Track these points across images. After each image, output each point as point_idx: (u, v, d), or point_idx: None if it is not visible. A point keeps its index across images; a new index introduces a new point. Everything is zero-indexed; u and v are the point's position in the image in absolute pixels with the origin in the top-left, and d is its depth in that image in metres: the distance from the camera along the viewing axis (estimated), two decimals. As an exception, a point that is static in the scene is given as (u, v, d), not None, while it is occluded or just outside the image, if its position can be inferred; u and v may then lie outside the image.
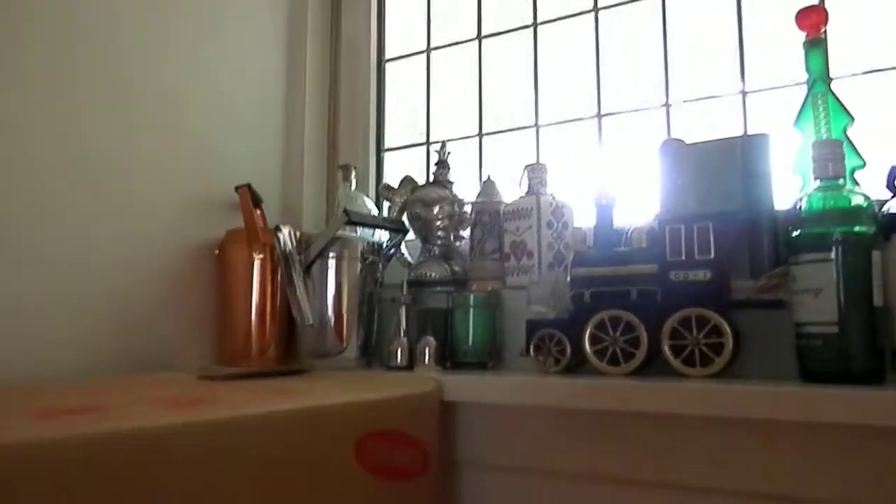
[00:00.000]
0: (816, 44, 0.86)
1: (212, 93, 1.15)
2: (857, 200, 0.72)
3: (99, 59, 0.99)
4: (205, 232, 1.10)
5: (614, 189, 0.91)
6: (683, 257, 0.80)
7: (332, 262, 1.03)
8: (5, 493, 0.36)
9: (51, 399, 0.58)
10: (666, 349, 0.79)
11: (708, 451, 0.74)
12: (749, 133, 0.95)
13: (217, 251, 1.10)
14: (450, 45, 1.29)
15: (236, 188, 1.08)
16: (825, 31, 0.87)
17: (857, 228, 0.71)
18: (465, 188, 1.14)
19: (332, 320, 1.02)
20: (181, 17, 1.11)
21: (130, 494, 0.43)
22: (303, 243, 1.03)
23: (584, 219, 1.03)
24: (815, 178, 0.74)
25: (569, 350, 0.86)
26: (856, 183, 0.83)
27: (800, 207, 0.74)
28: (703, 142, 0.90)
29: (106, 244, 0.97)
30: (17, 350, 0.86)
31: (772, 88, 1.00)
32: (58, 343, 0.90)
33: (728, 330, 0.76)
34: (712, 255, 0.79)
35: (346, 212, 0.99)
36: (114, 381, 0.75)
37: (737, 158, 0.85)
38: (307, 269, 1.01)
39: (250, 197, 1.08)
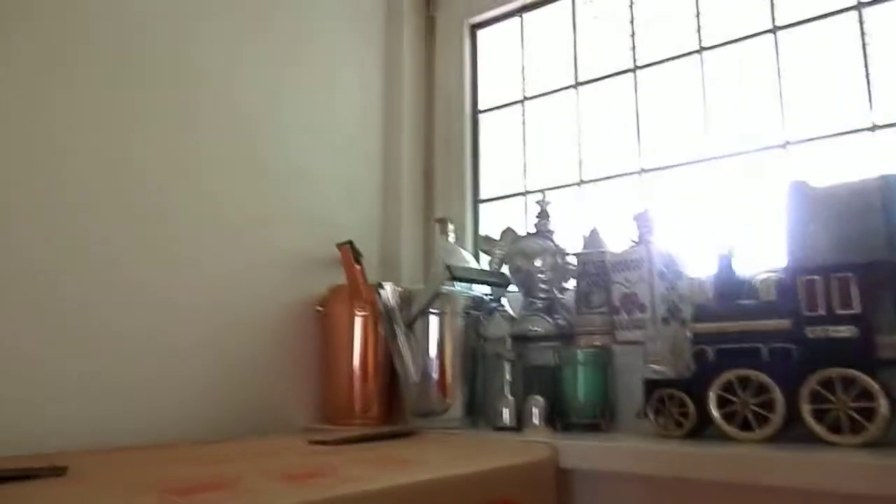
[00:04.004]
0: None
1: (310, 149, 1.18)
2: None
3: (225, 120, 1.04)
4: (307, 289, 1.11)
5: (734, 237, 0.85)
6: (823, 311, 0.73)
7: (433, 318, 1.01)
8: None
9: (176, 470, 0.58)
10: (807, 414, 0.72)
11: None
12: (886, 173, 0.87)
13: (319, 308, 1.10)
14: (546, 93, 1.27)
15: (338, 245, 1.09)
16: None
17: None
18: (567, 239, 1.10)
19: (436, 377, 1.00)
20: (295, 86, 1.15)
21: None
22: (405, 299, 1.02)
23: (698, 269, 0.97)
24: (976, 222, 0.66)
25: (692, 412, 0.80)
26: None
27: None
28: (835, 185, 0.83)
29: (212, 303, 1.00)
30: (135, 411, 0.88)
31: (905, 123, 0.91)
32: (169, 403, 0.92)
33: (880, 391, 0.68)
34: (857, 309, 0.71)
35: (448, 267, 0.98)
36: (231, 449, 0.76)
37: (876, 201, 0.78)
38: (410, 326, 0.99)
39: (352, 253, 1.08)
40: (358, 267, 1.10)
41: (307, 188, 1.16)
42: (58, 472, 0.54)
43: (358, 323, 1.05)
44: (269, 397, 1.04)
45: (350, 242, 1.08)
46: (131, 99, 0.94)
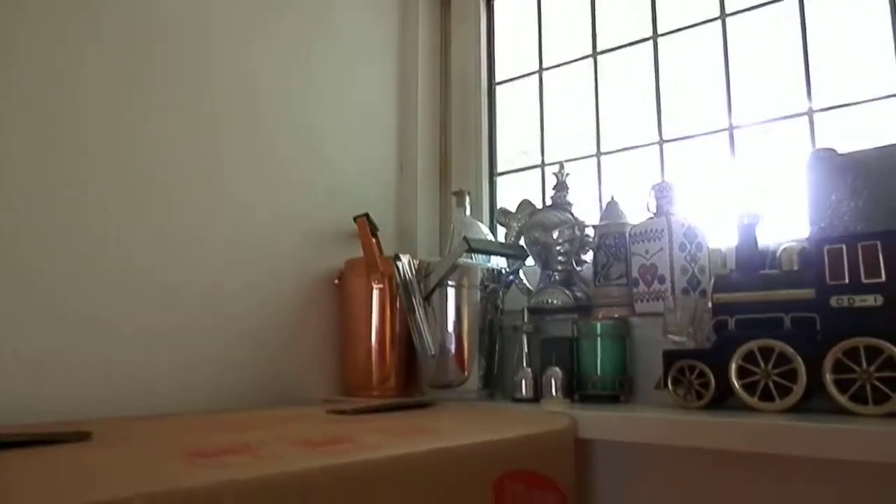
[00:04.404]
0: None
1: (326, 124, 1.17)
2: None
3: (239, 98, 1.03)
4: (324, 262, 1.12)
5: (758, 206, 0.84)
6: (847, 280, 0.72)
7: (451, 291, 1.01)
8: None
9: (199, 436, 0.59)
10: (830, 384, 0.71)
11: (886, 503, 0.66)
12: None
13: (336, 281, 1.11)
14: (564, 63, 1.25)
15: (355, 218, 1.09)
16: None
17: None
18: (585, 211, 1.09)
19: (454, 350, 1.00)
20: (292, 50, 1.14)
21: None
22: (421, 271, 1.02)
23: (717, 240, 0.95)
24: None
25: (713, 383, 0.79)
26: None
27: None
28: (859, 151, 0.81)
29: (236, 283, 1.00)
30: (160, 382, 0.89)
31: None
32: (196, 376, 0.93)
33: (906, 362, 0.67)
34: (883, 278, 0.70)
35: (465, 239, 0.97)
36: (252, 417, 0.76)
37: (904, 168, 0.76)
38: (427, 298, 0.99)
39: (368, 226, 1.08)
40: (374, 240, 1.09)
41: (323, 163, 1.16)
42: (83, 436, 0.55)
43: (375, 295, 1.05)
44: (288, 370, 1.05)
45: (366, 215, 1.08)
46: (147, 79, 0.94)
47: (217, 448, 0.49)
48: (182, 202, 0.96)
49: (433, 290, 0.99)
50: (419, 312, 0.98)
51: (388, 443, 0.57)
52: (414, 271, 1.01)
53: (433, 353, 0.97)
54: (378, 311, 1.05)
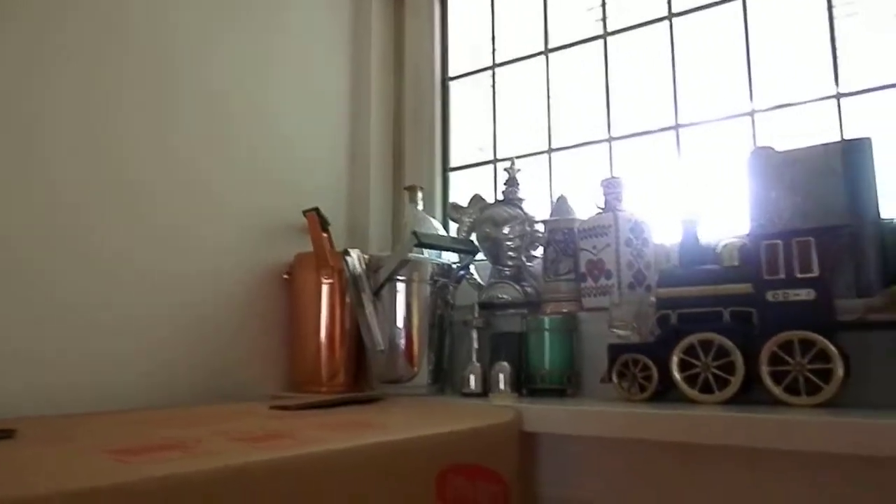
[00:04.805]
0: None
1: (278, 117, 1.15)
2: (985, 209, 0.64)
3: (196, 88, 1.01)
4: (274, 256, 1.10)
5: (700, 203, 0.86)
6: (783, 275, 0.74)
7: (401, 286, 1.00)
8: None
9: (129, 434, 0.57)
10: (765, 376, 0.73)
11: (819, 490, 0.68)
12: (847, 138, 0.88)
13: (286, 275, 1.09)
14: (516, 59, 1.26)
15: (304, 212, 1.07)
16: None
17: None
18: (536, 206, 1.10)
19: (403, 345, 0.99)
20: (247, 44, 1.12)
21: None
22: (371, 266, 1.01)
23: (662, 236, 0.97)
24: (934, 186, 0.67)
25: (655, 376, 0.80)
26: (976, 189, 0.75)
27: (917, 218, 0.67)
28: (797, 149, 0.83)
29: (177, 272, 0.98)
30: (92, 379, 0.87)
31: (870, 90, 0.92)
32: (132, 371, 0.91)
33: (836, 354, 0.69)
34: (815, 273, 0.72)
35: (415, 233, 0.97)
36: (190, 413, 0.74)
37: (837, 166, 0.78)
38: (377, 293, 0.99)
39: (318, 220, 1.06)
40: (325, 234, 1.08)
41: (275, 157, 1.14)
42: (6, 434, 0.53)
43: (325, 290, 1.04)
44: (235, 365, 1.03)
45: (316, 209, 1.07)
46: (106, 75, 0.92)
47: (147, 445, 0.48)
48: (128, 195, 0.93)
49: (382, 285, 0.99)
50: (368, 307, 0.97)
51: (329, 437, 0.56)
52: (364, 266, 1.00)
53: (382, 348, 0.97)
54: (327, 306, 1.04)
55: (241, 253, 1.07)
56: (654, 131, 1.08)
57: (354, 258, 0.99)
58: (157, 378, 0.93)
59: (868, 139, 0.81)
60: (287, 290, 1.09)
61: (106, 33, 0.93)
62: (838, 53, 0.95)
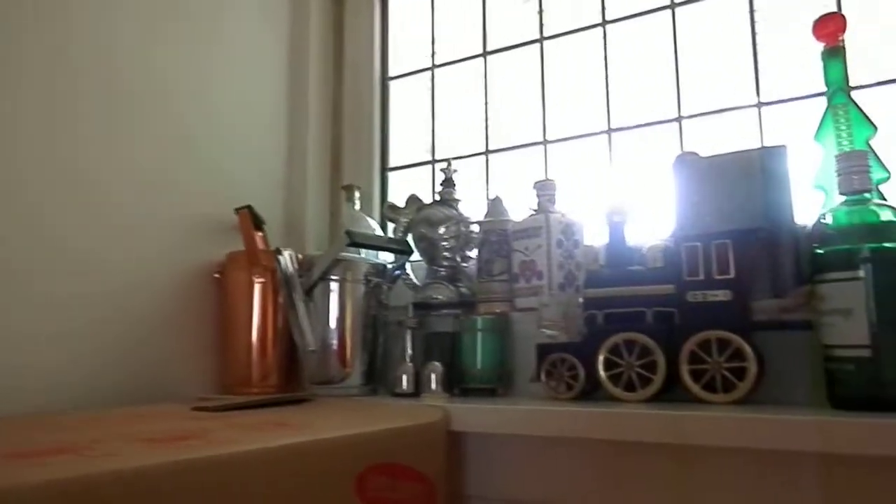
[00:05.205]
0: (835, 53, 0.83)
1: (213, 114, 1.13)
2: (886, 215, 0.67)
3: (101, 81, 0.97)
4: (205, 254, 1.07)
5: (627, 205, 0.87)
6: (702, 277, 0.76)
7: (334, 286, 0.99)
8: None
9: (24, 437, 0.55)
10: (685, 374, 0.75)
11: (734, 486, 0.70)
12: (766, 145, 0.91)
13: (217, 274, 1.07)
14: (455, 61, 1.26)
15: (236, 210, 1.05)
16: (843, 40, 0.83)
17: (886, 245, 0.66)
18: (473, 207, 1.10)
19: (335, 345, 0.98)
20: (182, 36, 1.09)
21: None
22: (305, 266, 1.00)
23: (595, 237, 0.99)
24: (841, 193, 0.70)
25: (582, 375, 0.82)
26: (882, 196, 0.79)
27: (824, 223, 0.70)
28: (719, 155, 0.86)
29: (101, 267, 0.94)
30: (6, 380, 0.83)
31: (789, 100, 0.96)
32: (51, 372, 0.87)
33: (751, 353, 0.72)
34: (732, 274, 0.75)
35: (348, 233, 0.96)
36: (100, 416, 0.72)
37: (755, 171, 0.81)
38: (309, 293, 0.98)
39: (251, 219, 1.05)
40: (260, 233, 1.06)
41: (209, 155, 1.11)
42: None
43: (257, 290, 1.02)
44: (163, 367, 1.00)
45: (249, 207, 1.05)
46: (57, 80, 0.90)
47: (41, 448, 0.46)
48: (44, 189, 0.89)
49: (315, 284, 0.97)
50: (300, 307, 0.96)
51: (242, 438, 0.55)
52: (296, 265, 0.98)
53: (313, 348, 0.95)
54: (259, 307, 1.02)
55: (172, 253, 1.04)
56: (587, 135, 1.10)
57: (286, 257, 0.97)
58: (78, 381, 0.90)
59: (784, 147, 0.84)
60: (218, 290, 1.07)
61: (52, 40, 0.90)
62: (759, 65, 0.98)
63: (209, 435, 0.55)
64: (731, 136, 1.00)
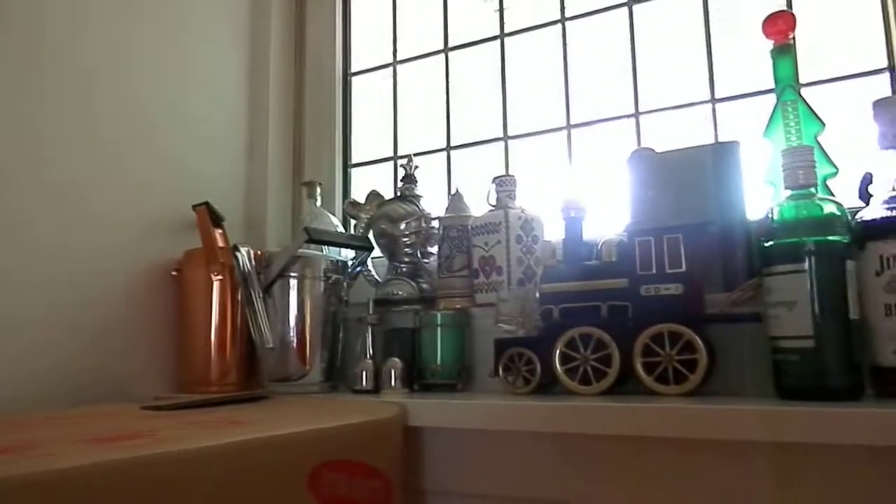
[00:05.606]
0: (785, 50, 0.85)
1: (173, 109, 1.11)
2: (829, 209, 0.69)
3: (63, 73, 0.95)
4: (163, 251, 1.06)
5: (583, 201, 0.88)
6: (654, 271, 0.77)
7: (293, 282, 0.99)
8: None
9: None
10: (639, 367, 0.76)
11: (685, 474, 0.71)
12: (719, 141, 0.93)
13: (174, 272, 1.05)
14: (416, 57, 1.26)
15: (194, 207, 1.04)
16: (793, 38, 0.85)
17: (830, 238, 0.68)
18: (434, 203, 1.10)
19: (294, 342, 0.98)
20: (143, 31, 1.07)
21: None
22: (263, 263, 0.99)
23: (554, 232, 1.00)
24: (786, 188, 0.72)
25: (539, 370, 0.82)
26: (829, 191, 0.81)
27: (772, 217, 0.72)
28: (673, 150, 0.87)
29: (56, 258, 0.92)
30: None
31: (743, 97, 0.98)
32: (11, 376, 0.85)
33: (702, 345, 0.73)
34: (684, 268, 0.76)
35: (306, 230, 0.95)
36: (48, 415, 0.70)
37: (708, 167, 0.83)
38: (267, 290, 0.97)
39: (209, 216, 1.03)
40: (218, 230, 1.05)
41: (167, 150, 1.09)
42: None
43: (215, 287, 1.01)
44: (118, 366, 0.99)
45: (207, 203, 1.03)
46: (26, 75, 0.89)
47: (-22, 448, 0.45)
48: (6, 183, 0.87)
49: (273, 281, 0.97)
50: (258, 304, 0.95)
51: (191, 436, 0.54)
52: (254, 262, 0.97)
53: (271, 345, 0.95)
54: (218, 304, 1.01)
55: (129, 251, 1.02)
56: (547, 131, 1.11)
57: (244, 254, 0.97)
58: (28, 380, 0.88)
59: (737, 142, 0.86)
60: (176, 288, 1.05)
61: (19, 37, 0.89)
62: (714, 62, 1.00)
63: (158, 433, 0.54)
64: (687, 133, 1.01)
